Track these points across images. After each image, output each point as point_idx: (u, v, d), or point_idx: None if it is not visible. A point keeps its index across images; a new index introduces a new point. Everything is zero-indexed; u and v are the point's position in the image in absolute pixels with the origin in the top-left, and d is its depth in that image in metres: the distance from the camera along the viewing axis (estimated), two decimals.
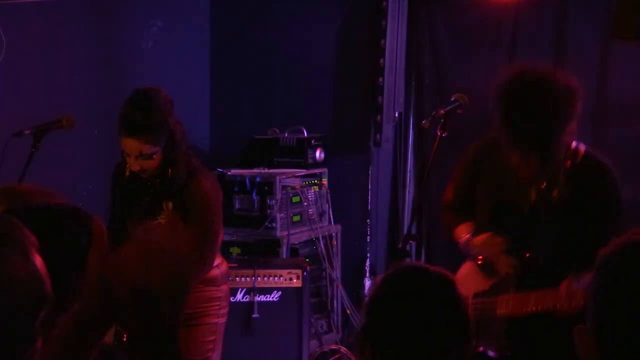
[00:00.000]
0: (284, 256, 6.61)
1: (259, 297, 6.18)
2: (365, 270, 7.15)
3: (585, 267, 3.62)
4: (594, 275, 1.73)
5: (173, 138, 4.38)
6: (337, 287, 6.91)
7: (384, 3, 7.04)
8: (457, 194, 4.10)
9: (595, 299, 1.71)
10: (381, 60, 7.14)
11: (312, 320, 6.51)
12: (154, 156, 4.34)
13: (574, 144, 3.79)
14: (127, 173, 4.50)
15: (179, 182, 4.41)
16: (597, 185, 3.77)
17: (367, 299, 2.52)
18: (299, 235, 6.78)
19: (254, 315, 6.12)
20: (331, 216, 7.03)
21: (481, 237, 3.91)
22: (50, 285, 1.65)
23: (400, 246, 4.27)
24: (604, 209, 3.77)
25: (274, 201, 6.67)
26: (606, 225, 3.73)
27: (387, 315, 2.42)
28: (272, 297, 6.21)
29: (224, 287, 4.71)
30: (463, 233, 3.99)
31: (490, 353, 3.85)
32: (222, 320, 4.69)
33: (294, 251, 6.70)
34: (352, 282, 7.09)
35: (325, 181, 7.05)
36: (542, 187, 3.78)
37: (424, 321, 2.38)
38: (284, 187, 6.74)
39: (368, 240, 7.20)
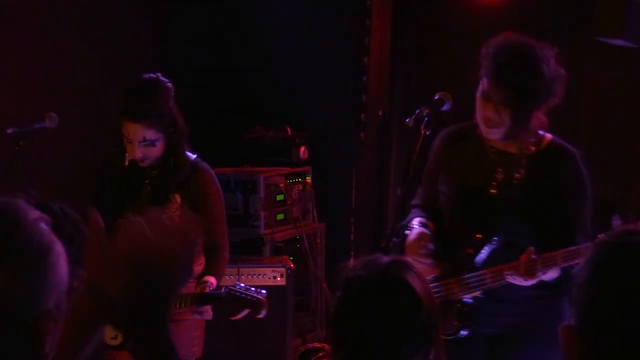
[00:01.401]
0: (268, 254, 6.64)
1: None
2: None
3: (545, 249, 3.72)
4: (581, 274, 1.71)
5: (175, 126, 4.41)
6: (321, 285, 6.92)
7: (368, 2, 7.08)
8: (426, 188, 4.21)
9: (584, 295, 1.70)
10: (365, 59, 7.18)
11: (296, 318, 6.53)
12: (157, 143, 4.35)
13: (540, 132, 3.91)
14: (127, 163, 4.49)
15: (184, 172, 4.43)
16: (562, 168, 3.89)
17: (333, 306, 2.54)
18: (283, 234, 6.82)
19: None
20: (315, 215, 7.06)
21: (415, 232, 3.97)
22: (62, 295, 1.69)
23: (384, 244, 4.30)
24: (570, 192, 3.88)
25: (258, 199, 6.69)
26: (573, 201, 3.88)
27: (351, 330, 2.45)
28: None
29: None
30: (411, 224, 4.07)
31: (445, 336, 3.90)
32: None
33: (278, 249, 6.72)
34: (336, 280, 7.10)
35: (309, 179, 7.07)
36: (506, 170, 3.89)
37: (387, 334, 2.41)
38: (268, 186, 6.77)
39: (352, 238, 7.24)
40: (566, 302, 3.93)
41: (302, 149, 7.08)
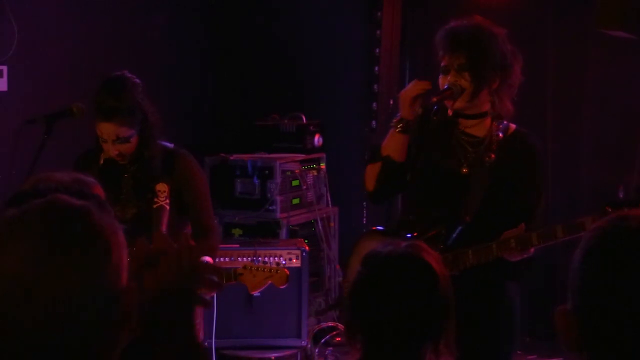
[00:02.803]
0: (284, 237, 6.76)
1: None
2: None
3: (512, 227, 3.81)
4: (579, 258, 1.74)
5: (147, 120, 4.39)
6: (335, 266, 7.04)
7: None
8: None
9: (580, 280, 1.72)
10: (377, 50, 7.29)
11: (311, 298, 6.65)
12: (131, 139, 4.34)
13: (505, 122, 4.02)
14: (102, 161, 4.47)
15: (158, 161, 4.42)
16: (526, 156, 4.00)
17: (349, 286, 2.64)
18: (298, 217, 6.94)
19: (254, 294, 6.30)
20: (329, 199, 7.17)
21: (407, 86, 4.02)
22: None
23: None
24: (531, 179, 3.99)
25: (274, 185, 6.82)
26: (533, 189, 3.98)
27: (368, 305, 2.54)
28: None
29: None
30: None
31: None
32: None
33: (293, 232, 6.85)
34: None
35: (323, 165, 7.17)
36: (476, 151, 3.99)
37: (403, 310, 2.49)
38: (283, 172, 6.88)
39: (364, 222, 7.33)
40: (512, 287, 4.03)
41: (317, 136, 7.21)
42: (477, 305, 3.92)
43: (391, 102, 7.24)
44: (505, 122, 4.03)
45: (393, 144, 3.96)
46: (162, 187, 4.37)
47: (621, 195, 3.72)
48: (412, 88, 3.96)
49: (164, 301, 1.88)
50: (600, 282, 1.69)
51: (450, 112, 3.98)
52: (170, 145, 4.56)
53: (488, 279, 3.93)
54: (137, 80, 4.43)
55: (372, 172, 4.00)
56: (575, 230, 3.71)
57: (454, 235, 3.91)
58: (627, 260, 1.68)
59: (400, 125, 3.92)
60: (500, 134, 3.99)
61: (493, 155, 3.96)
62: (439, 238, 3.92)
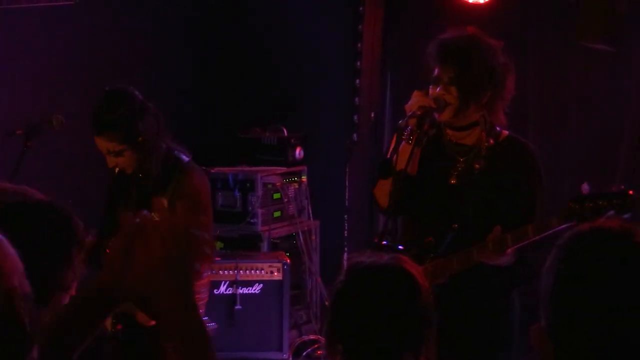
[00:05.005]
0: (265, 250, 6.78)
1: (241, 289, 6.34)
2: (343, 264, 7.30)
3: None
4: (546, 274, 1.75)
5: (141, 135, 4.39)
6: (316, 279, 7.07)
7: (361, 8, 7.23)
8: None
9: (549, 295, 1.74)
10: (358, 63, 7.32)
11: (292, 311, 6.67)
12: (124, 153, 4.39)
13: (497, 128, 4.02)
14: (116, 171, 4.54)
15: (159, 176, 4.45)
16: (520, 160, 3.99)
17: (331, 295, 2.64)
18: (279, 230, 6.95)
19: (236, 307, 6.29)
20: (310, 212, 7.18)
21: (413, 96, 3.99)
22: (23, 279, 1.70)
23: (376, 240, 4.42)
24: (526, 183, 3.97)
25: (255, 197, 6.84)
26: (527, 198, 3.95)
27: (348, 314, 2.54)
28: (254, 290, 6.37)
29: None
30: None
31: None
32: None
33: (274, 245, 6.88)
34: (330, 275, 7.23)
35: (304, 178, 7.19)
36: (466, 160, 3.98)
37: (383, 319, 2.49)
38: (265, 184, 6.90)
39: (345, 235, 7.33)
40: (514, 295, 4.02)
41: (298, 149, 7.22)
42: (474, 311, 3.93)
43: (372, 115, 7.27)
44: (497, 128, 4.02)
45: (406, 157, 3.87)
46: (162, 201, 4.36)
47: (584, 192, 3.73)
48: (414, 101, 3.93)
49: (158, 277, 1.84)
50: (567, 296, 1.72)
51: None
52: (185, 159, 4.57)
53: (483, 285, 3.92)
54: (134, 93, 4.46)
55: (384, 188, 3.93)
56: (544, 229, 3.71)
57: (445, 243, 3.90)
58: (591, 274, 1.71)
59: (411, 137, 3.88)
60: (492, 140, 3.99)
61: (482, 162, 3.96)
62: (428, 247, 3.91)
